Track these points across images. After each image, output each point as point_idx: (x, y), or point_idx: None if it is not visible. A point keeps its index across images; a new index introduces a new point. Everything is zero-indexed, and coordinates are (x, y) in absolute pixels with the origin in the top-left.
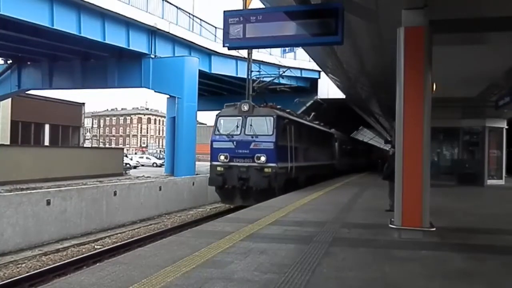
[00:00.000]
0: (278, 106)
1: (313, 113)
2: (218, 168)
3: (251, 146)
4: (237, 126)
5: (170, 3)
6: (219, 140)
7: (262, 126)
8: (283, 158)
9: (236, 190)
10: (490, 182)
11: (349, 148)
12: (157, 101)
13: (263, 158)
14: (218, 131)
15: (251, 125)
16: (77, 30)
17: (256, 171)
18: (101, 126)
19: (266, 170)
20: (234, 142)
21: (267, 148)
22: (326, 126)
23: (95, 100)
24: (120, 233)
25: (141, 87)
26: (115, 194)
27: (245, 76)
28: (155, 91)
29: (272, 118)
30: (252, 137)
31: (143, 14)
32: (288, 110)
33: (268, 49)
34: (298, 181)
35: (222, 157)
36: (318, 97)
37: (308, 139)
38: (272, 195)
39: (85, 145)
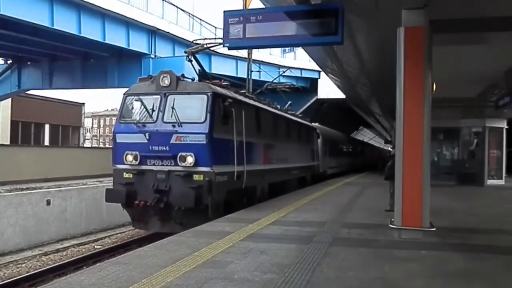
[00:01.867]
0: (225, 83)
1: (289, 102)
2: (125, 175)
3: (173, 140)
4: (153, 110)
5: (170, 3)
6: (126, 131)
7: (190, 109)
8: (224, 159)
9: (152, 209)
10: (490, 182)
11: (338, 146)
12: None
13: (190, 159)
14: (124, 117)
15: (173, 107)
16: (77, 30)
17: (179, 179)
18: (101, 126)
19: (195, 177)
20: (147, 135)
21: (196, 143)
22: (306, 119)
23: (95, 100)
24: (120, 233)
25: None
26: None
27: (245, 76)
28: None
29: (205, 97)
30: (174, 126)
31: (143, 14)
32: (242, 91)
33: (268, 49)
34: (255, 192)
35: (129, 158)
36: (318, 97)
37: (272, 132)
38: (204, 217)
39: (85, 145)
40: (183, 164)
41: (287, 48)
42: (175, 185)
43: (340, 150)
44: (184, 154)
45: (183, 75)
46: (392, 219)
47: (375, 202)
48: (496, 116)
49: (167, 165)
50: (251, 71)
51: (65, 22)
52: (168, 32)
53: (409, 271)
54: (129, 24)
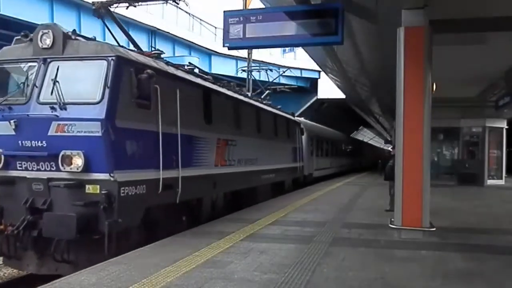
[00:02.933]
0: (157, 52)
1: (267, 91)
2: None
3: (52, 131)
4: (25, 84)
5: (170, 3)
6: None
7: (80, 82)
8: (139, 160)
9: (17, 240)
10: (490, 182)
11: (329, 145)
12: None
13: (77, 161)
14: None
15: (55, 80)
16: (77, 30)
17: (61, 192)
18: None
19: (88, 189)
20: (14, 123)
21: (87, 136)
22: (287, 112)
23: None
24: None
25: None
26: None
27: (245, 76)
28: None
29: (103, 64)
30: (55, 109)
31: (143, 14)
32: (191, 67)
33: (268, 49)
34: (201, 206)
35: None
36: (318, 97)
37: (232, 124)
38: (101, 252)
39: None
40: (68, 168)
41: (287, 48)
42: (56, 201)
43: (331, 150)
44: (68, 152)
45: (74, 31)
46: (392, 219)
47: (375, 202)
48: (496, 116)
49: (45, 169)
50: (251, 71)
51: (65, 22)
52: (168, 32)
53: (409, 271)
54: (129, 24)
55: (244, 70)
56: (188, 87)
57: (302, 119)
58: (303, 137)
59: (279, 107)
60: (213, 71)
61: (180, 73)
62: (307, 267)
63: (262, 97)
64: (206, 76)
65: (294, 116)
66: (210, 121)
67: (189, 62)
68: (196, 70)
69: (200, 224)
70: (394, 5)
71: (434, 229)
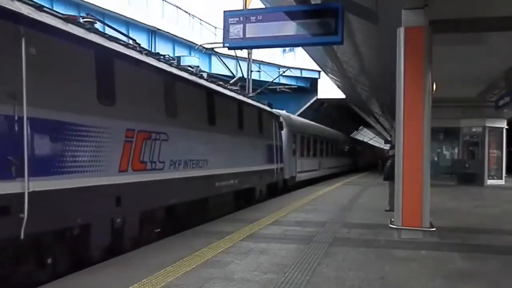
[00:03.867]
0: None
1: (237, 76)
2: None
3: None
4: None
5: (170, 3)
6: None
7: None
8: None
9: None
10: (490, 182)
11: (317, 144)
12: None
13: None
14: None
15: None
16: None
17: None
18: None
19: None
20: None
21: None
22: (261, 101)
23: None
24: None
25: None
26: None
27: (245, 76)
28: None
29: None
30: None
31: (143, 14)
32: (88, 17)
33: (268, 49)
34: (87, 239)
35: None
36: (318, 97)
37: (159, 109)
38: None
39: None
40: None
41: (287, 48)
42: None
43: (321, 149)
44: None
45: None
46: (392, 219)
47: (375, 202)
48: (496, 116)
49: None
50: (251, 71)
51: None
52: (168, 32)
53: (409, 271)
54: (129, 24)
55: (206, 48)
56: (56, 41)
57: (283, 111)
58: (283, 132)
59: (250, 95)
60: (213, 71)
61: (37, 15)
62: (307, 267)
63: (231, 82)
64: (123, 40)
65: (271, 108)
66: (111, 102)
67: (81, 16)
68: (102, 28)
69: (90, 266)
70: (394, 5)
71: (434, 229)
